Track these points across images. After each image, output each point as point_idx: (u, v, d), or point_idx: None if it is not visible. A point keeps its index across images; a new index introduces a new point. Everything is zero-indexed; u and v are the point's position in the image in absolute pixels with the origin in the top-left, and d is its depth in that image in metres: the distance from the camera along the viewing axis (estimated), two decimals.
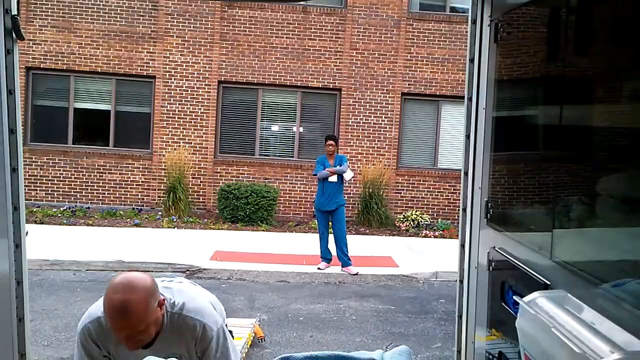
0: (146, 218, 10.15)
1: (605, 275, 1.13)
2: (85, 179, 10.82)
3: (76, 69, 10.72)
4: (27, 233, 1.76)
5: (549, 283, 1.35)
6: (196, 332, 2.08)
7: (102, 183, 10.86)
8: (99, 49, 10.75)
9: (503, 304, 1.59)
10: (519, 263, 1.52)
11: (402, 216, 10.89)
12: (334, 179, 7.44)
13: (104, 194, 10.88)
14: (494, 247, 1.71)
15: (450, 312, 5.93)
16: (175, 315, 2.04)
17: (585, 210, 1.27)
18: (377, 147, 11.23)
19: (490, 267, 1.71)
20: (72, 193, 10.82)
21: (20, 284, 1.65)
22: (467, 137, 1.98)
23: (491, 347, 1.67)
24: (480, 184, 1.87)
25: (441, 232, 10.33)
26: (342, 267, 7.50)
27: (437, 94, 11.25)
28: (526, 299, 1.27)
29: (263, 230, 9.90)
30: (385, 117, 11.25)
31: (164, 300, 1.98)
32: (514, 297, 1.36)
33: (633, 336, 1.02)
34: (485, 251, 1.77)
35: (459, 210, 2.06)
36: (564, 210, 1.36)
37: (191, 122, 10.97)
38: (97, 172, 10.83)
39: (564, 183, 1.39)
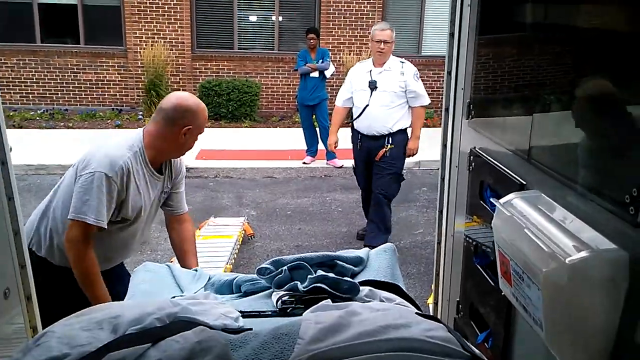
0: (127, 118, 10.02)
1: (576, 176, 1.18)
2: (60, 79, 10.47)
3: None
4: (10, 149, 1.73)
5: (524, 183, 1.42)
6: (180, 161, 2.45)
7: (78, 84, 10.53)
8: None
9: (482, 202, 1.67)
10: (497, 163, 1.57)
11: None
12: (315, 73, 7.33)
13: (81, 95, 10.60)
14: (474, 147, 1.75)
15: (431, 200, 6.17)
16: None
17: (563, 115, 1.30)
18: (359, 37, 10.88)
19: (470, 167, 1.77)
20: (48, 95, 10.52)
21: (11, 200, 1.67)
22: (452, 35, 1.94)
23: (470, 233, 1.79)
24: (463, 85, 1.87)
25: (424, 120, 10.35)
26: (327, 160, 7.63)
27: None
28: (502, 200, 1.33)
29: (247, 127, 9.88)
30: (367, 4, 10.78)
31: None
32: (491, 198, 1.42)
33: (600, 235, 1.09)
34: (465, 152, 1.82)
35: (442, 100, 2.09)
36: (543, 112, 1.39)
37: (164, 15, 10.42)
38: (71, 72, 10.45)
39: (546, 87, 1.40)
